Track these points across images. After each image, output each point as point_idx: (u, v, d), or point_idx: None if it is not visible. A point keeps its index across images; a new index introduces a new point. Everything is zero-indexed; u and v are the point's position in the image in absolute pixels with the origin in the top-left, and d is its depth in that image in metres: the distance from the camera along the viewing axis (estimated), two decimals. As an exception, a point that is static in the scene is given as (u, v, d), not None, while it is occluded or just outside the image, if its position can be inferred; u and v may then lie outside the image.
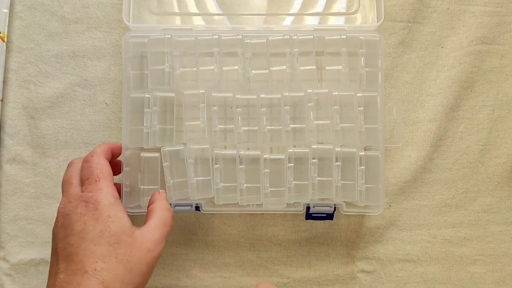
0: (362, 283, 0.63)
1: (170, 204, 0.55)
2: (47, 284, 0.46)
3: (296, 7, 0.63)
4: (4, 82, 0.63)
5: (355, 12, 0.63)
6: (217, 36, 0.58)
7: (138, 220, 0.55)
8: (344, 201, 0.58)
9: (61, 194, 0.62)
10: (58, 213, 0.48)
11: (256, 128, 0.58)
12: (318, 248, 0.63)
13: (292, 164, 0.58)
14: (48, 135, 0.63)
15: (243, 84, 0.59)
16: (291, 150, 0.58)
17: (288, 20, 0.64)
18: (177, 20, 0.63)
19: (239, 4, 0.64)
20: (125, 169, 0.57)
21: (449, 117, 0.64)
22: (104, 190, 0.48)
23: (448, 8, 0.64)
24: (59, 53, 0.64)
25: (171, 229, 0.51)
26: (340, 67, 0.58)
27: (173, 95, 0.59)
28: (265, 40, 0.59)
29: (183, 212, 0.61)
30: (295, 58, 0.58)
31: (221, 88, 0.59)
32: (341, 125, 0.58)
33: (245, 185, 0.58)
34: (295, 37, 0.58)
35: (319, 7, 0.63)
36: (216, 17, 0.64)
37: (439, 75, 0.64)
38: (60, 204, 0.49)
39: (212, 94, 0.58)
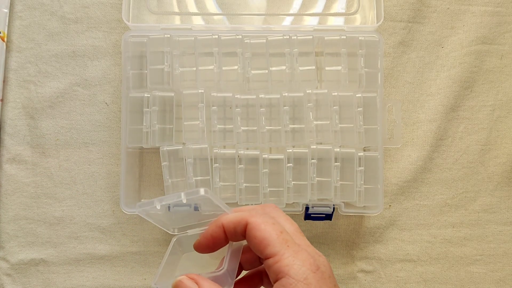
0: (362, 283, 0.63)
1: (169, 207, 0.53)
2: None
3: (295, 7, 0.63)
4: (4, 82, 0.63)
5: (355, 12, 0.63)
6: (216, 36, 0.58)
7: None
8: (343, 202, 0.58)
9: (61, 194, 0.62)
10: None
11: (255, 128, 0.58)
12: (318, 248, 0.62)
13: (291, 164, 0.58)
14: (48, 135, 0.63)
15: (243, 84, 0.59)
16: (290, 150, 0.58)
17: (287, 20, 0.63)
18: (177, 20, 0.63)
19: (239, 4, 0.64)
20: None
21: (449, 117, 0.64)
22: None
23: (448, 8, 0.64)
24: (59, 53, 0.64)
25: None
26: (339, 67, 0.58)
27: (173, 94, 0.59)
28: (264, 40, 0.59)
29: (182, 212, 0.61)
30: (295, 58, 0.58)
31: (220, 88, 0.59)
32: (340, 125, 0.58)
33: (244, 184, 0.58)
34: (295, 37, 0.58)
35: (318, 8, 0.63)
36: (215, 17, 0.64)
37: (439, 75, 0.64)
38: None
39: (212, 94, 0.58)
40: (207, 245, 0.41)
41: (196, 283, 0.37)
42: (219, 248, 0.41)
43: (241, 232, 0.38)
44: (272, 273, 0.37)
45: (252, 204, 0.59)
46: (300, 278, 0.35)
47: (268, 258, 0.36)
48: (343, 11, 0.63)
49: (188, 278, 0.38)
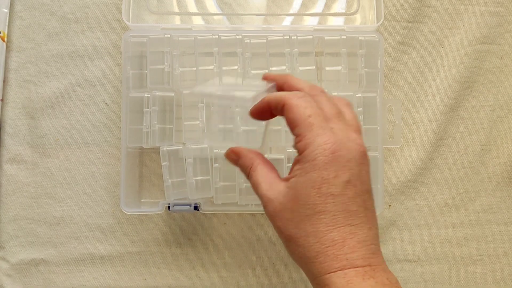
0: (362, 283, 0.63)
1: (169, 207, 0.53)
2: None
3: (295, 7, 0.63)
4: (4, 82, 0.63)
5: (355, 12, 0.63)
6: (216, 36, 0.58)
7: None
8: (343, 202, 0.58)
9: (61, 194, 0.62)
10: None
11: (255, 128, 0.58)
12: (318, 248, 0.63)
13: (291, 164, 0.57)
14: (48, 135, 0.63)
15: (243, 84, 0.59)
16: (290, 150, 0.58)
17: (287, 20, 0.64)
18: (177, 20, 0.63)
19: (239, 4, 0.64)
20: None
21: (449, 117, 0.64)
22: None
23: (448, 8, 0.64)
24: (59, 53, 0.64)
25: None
26: (339, 67, 0.58)
27: (173, 94, 0.59)
28: (264, 40, 0.59)
29: (182, 212, 0.61)
30: (295, 58, 0.58)
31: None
32: (340, 125, 0.58)
33: (244, 184, 0.58)
34: (295, 37, 0.58)
35: (318, 8, 0.63)
36: (215, 17, 0.64)
37: (439, 75, 0.64)
38: None
39: (212, 94, 0.58)
40: (261, 112, 0.44)
41: (238, 153, 0.46)
42: (265, 119, 0.45)
43: (280, 111, 0.42)
44: (297, 150, 0.41)
45: (252, 205, 0.59)
46: (309, 158, 0.39)
47: (296, 137, 0.40)
48: (343, 11, 0.63)
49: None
